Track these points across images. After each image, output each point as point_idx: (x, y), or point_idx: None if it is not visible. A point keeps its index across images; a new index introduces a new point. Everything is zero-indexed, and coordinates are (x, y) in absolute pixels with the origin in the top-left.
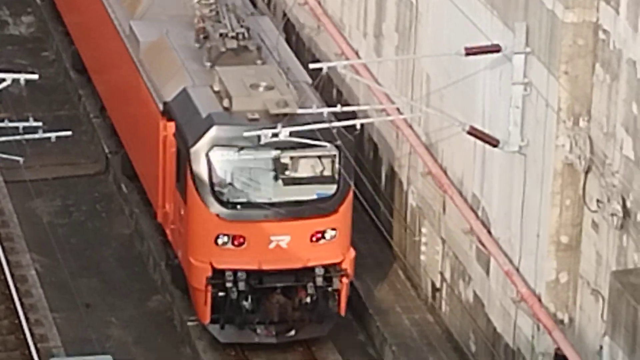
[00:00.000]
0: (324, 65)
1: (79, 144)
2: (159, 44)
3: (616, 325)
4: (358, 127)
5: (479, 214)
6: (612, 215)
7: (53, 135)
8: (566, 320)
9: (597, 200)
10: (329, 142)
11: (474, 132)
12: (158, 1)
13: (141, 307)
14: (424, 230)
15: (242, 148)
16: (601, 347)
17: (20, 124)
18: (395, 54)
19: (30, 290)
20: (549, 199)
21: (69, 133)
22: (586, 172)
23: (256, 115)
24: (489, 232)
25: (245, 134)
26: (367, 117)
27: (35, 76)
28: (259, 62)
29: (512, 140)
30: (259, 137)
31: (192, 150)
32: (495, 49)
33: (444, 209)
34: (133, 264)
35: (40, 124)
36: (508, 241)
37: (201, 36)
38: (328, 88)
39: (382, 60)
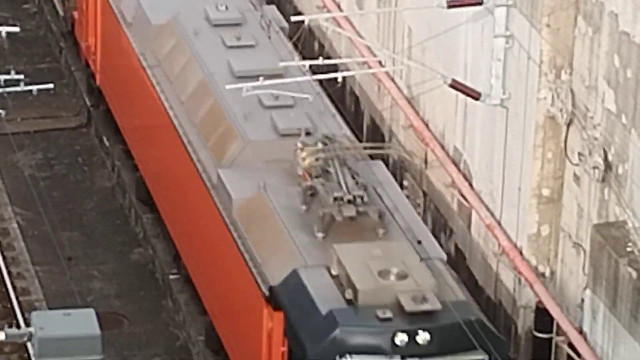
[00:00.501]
0: (305, 18)
1: (60, 97)
2: (258, 204)
3: (597, 278)
4: (340, 80)
5: (461, 167)
6: (594, 168)
7: (34, 88)
8: (547, 274)
9: (579, 154)
10: (478, 347)
11: (455, 85)
12: (252, 143)
13: (123, 260)
14: (405, 183)
15: (373, 353)
16: (582, 300)
17: (2, 77)
18: (377, 6)
19: (12, 244)
20: (530, 152)
21: (50, 86)
22: (568, 125)
23: (388, 314)
24: (471, 185)
25: (376, 340)
26: (348, 70)
27: (17, 29)
28: (381, 231)
29: (494, 94)
30: (393, 342)
31: (312, 357)
32: (477, 1)
33: (426, 163)
34: (115, 216)
35: (21, 76)
36: (490, 194)
37: (308, 195)
38: (310, 41)
39: (364, 12)
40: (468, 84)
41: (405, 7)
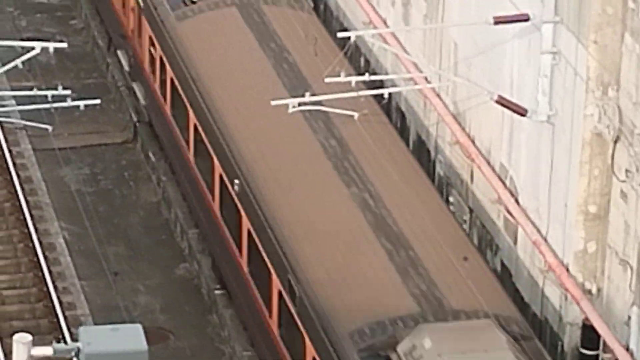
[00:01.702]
0: (352, 34)
1: (107, 112)
2: None
3: None
4: (386, 96)
5: (507, 183)
6: None
7: (81, 103)
8: (594, 290)
9: (626, 170)
10: None
11: (502, 101)
12: None
13: (168, 274)
14: (451, 199)
15: None
16: (629, 318)
17: (49, 92)
18: (424, 22)
19: (59, 258)
20: (577, 168)
21: (97, 101)
22: (615, 142)
23: None
24: (517, 201)
25: None
26: (394, 86)
27: (64, 44)
28: None
29: (541, 110)
30: None
31: None
32: (524, 17)
33: (472, 179)
34: (160, 231)
35: (68, 92)
36: (536, 211)
37: None
38: (356, 57)
39: (410, 29)
40: (514, 100)
41: (451, 23)
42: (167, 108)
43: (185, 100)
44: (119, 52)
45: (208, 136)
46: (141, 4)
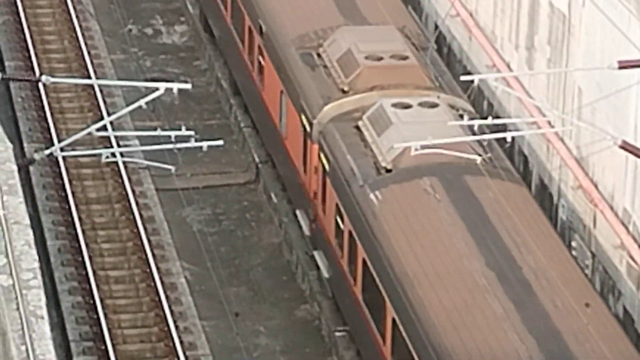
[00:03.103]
0: (475, 78)
1: (229, 153)
2: None
3: None
4: (509, 139)
5: (630, 228)
6: None
7: (204, 144)
8: None
9: None
10: None
11: (625, 146)
12: None
13: (289, 316)
14: (573, 244)
15: None
16: None
17: (172, 133)
18: (547, 66)
19: (180, 298)
20: None
21: (220, 142)
22: None
23: None
24: None
25: None
26: (518, 129)
27: (188, 85)
28: None
29: None
30: None
31: None
32: None
33: (595, 223)
34: (282, 273)
35: (192, 132)
36: None
37: None
38: (479, 100)
39: (534, 73)
40: (639, 145)
41: (575, 68)
42: (358, 292)
43: (382, 290)
44: (297, 212)
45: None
46: (327, 168)
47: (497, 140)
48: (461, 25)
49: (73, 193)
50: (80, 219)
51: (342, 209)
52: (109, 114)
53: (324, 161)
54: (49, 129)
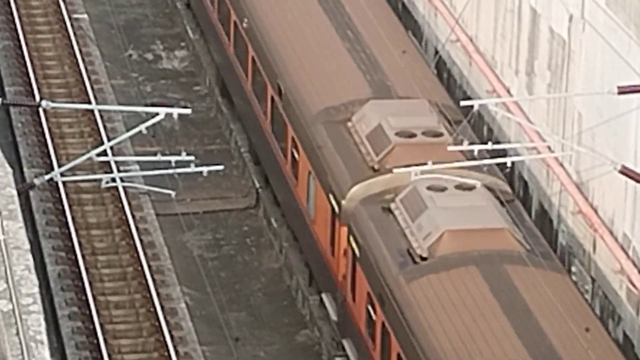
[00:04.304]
0: (475, 103)
1: (229, 178)
2: None
3: None
4: (509, 164)
5: (630, 253)
6: None
7: (205, 169)
8: None
9: None
10: None
11: (625, 171)
12: None
13: (289, 341)
14: (573, 269)
15: None
16: None
17: (173, 158)
18: (547, 92)
19: (180, 323)
20: None
21: (220, 167)
22: None
23: None
24: None
25: None
26: (518, 154)
27: (188, 110)
28: None
29: None
30: None
31: None
32: None
33: (594, 248)
34: (282, 298)
35: (192, 158)
36: None
37: None
38: (479, 125)
39: (534, 98)
40: (638, 170)
41: (575, 93)
42: None
43: None
44: (324, 295)
45: None
46: (357, 252)
47: (498, 165)
48: (461, 50)
49: (73, 218)
50: (80, 244)
51: (374, 298)
52: (109, 139)
53: (354, 245)
54: (49, 154)
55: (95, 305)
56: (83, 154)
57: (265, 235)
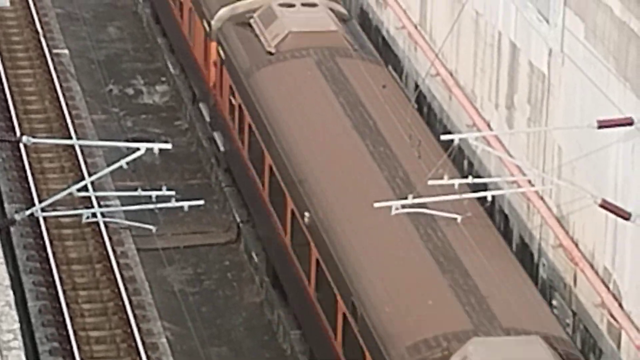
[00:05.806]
0: (455, 137)
1: (210, 212)
2: None
3: None
4: (489, 198)
5: (610, 287)
6: None
7: (185, 204)
8: None
9: None
10: None
11: (605, 205)
12: None
13: None
14: (554, 302)
15: None
16: None
17: (153, 193)
18: (527, 125)
19: (161, 358)
20: None
21: (201, 202)
22: None
23: None
24: (621, 305)
25: None
26: (498, 188)
27: (169, 145)
28: None
29: None
30: None
31: None
32: (628, 122)
33: (575, 282)
34: (263, 332)
35: (172, 192)
36: None
37: None
38: (459, 159)
39: (514, 132)
40: (618, 204)
41: (555, 127)
42: (245, 153)
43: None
44: (200, 105)
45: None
46: (223, 58)
47: (478, 199)
48: (441, 84)
49: (54, 253)
50: (61, 279)
51: (233, 87)
52: (89, 174)
53: (221, 54)
54: (29, 189)
55: (76, 340)
56: (64, 189)
57: (246, 270)
